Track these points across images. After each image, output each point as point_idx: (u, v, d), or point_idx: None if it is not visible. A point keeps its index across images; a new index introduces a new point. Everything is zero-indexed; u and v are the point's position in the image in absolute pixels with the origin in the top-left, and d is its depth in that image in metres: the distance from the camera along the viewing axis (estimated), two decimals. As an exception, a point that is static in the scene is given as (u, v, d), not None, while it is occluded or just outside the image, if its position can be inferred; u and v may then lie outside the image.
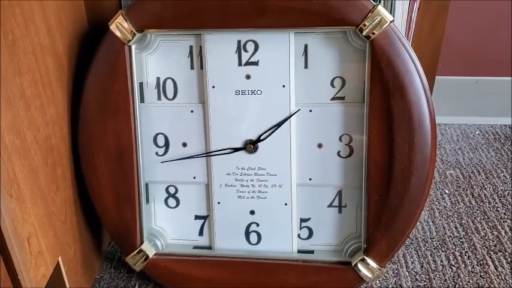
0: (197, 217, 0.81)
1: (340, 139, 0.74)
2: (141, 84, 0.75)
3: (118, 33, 0.70)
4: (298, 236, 0.79)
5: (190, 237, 0.82)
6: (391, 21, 0.65)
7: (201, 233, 0.81)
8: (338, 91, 0.72)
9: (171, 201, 0.81)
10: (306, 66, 0.72)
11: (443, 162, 1.16)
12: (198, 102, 0.75)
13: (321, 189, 0.77)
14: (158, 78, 0.75)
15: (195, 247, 0.81)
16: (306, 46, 0.72)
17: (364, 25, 0.66)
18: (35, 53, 0.64)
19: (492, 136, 1.25)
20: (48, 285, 0.68)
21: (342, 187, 0.76)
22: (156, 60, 0.75)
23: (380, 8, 0.65)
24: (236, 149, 0.75)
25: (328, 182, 0.76)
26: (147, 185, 0.79)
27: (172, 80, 0.75)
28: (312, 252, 0.79)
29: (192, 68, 0.74)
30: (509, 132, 1.26)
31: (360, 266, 0.74)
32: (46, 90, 0.67)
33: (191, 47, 0.73)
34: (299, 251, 0.79)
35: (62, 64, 0.72)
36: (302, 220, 0.78)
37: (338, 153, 0.75)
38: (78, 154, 0.75)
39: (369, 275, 0.74)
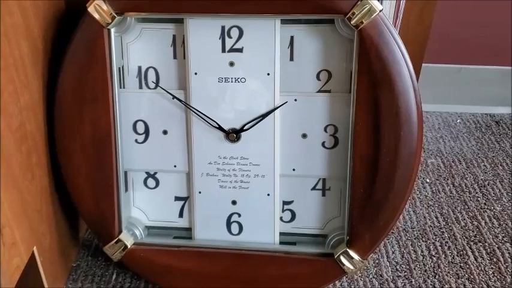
0: (177, 198, 0.79)
1: (325, 130, 0.72)
2: (120, 69, 0.72)
3: (96, 16, 0.67)
4: (281, 218, 0.77)
5: (170, 218, 0.80)
6: (380, 11, 0.64)
7: (181, 214, 0.79)
8: (324, 84, 0.71)
9: (151, 182, 0.79)
10: (291, 59, 0.71)
11: (424, 151, 1.15)
12: (179, 88, 0.73)
13: (304, 179, 0.76)
14: (140, 67, 0.73)
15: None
16: (292, 38, 0.70)
17: (353, 14, 0.64)
18: (8, 35, 0.61)
19: (473, 125, 1.25)
20: (23, 276, 0.66)
21: (326, 178, 0.75)
22: (137, 48, 0.72)
23: (369, -4, 0.63)
24: (220, 128, 0.73)
25: (312, 173, 0.75)
26: (125, 173, 0.76)
27: (154, 69, 0.73)
28: (294, 243, 0.77)
29: (174, 57, 0.72)
30: (490, 120, 1.26)
31: (342, 259, 0.73)
32: (20, 75, 0.64)
33: (174, 36, 0.71)
34: (281, 243, 0.77)
35: (37, 47, 0.69)
36: (285, 203, 0.77)
37: (323, 144, 0.73)
38: (54, 142, 0.73)
39: (351, 267, 0.73)
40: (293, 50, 0.70)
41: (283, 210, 0.77)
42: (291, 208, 0.77)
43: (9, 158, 0.62)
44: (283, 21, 0.69)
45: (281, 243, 0.78)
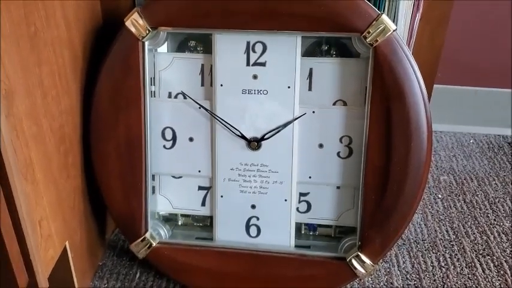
0: (200, 188, 0.83)
1: (340, 140, 0.77)
2: (152, 79, 0.78)
3: (133, 29, 0.73)
4: (297, 209, 0.81)
5: (193, 207, 0.84)
6: (394, 30, 0.69)
7: (203, 203, 0.84)
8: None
9: (177, 172, 0.84)
10: (310, 89, 0.76)
11: (437, 168, 1.19)
12: (205, 98, 0.78)
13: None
14: (170, 93, 0.79)
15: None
16: (311, 70, 0.75)
17: (369, 32, 0.69)
18: (54, 45, 0.68)
19: (486, 145, 1.28)
20: (56, 267, 0.71)
21: (340, 186, 0.80)
22: (169, 75, 0.78)
23: (384, 16, 0.69)
24: (243, 136, 0.78)
25: (327, 181, 0.79)
26: (153, 176, 0.82)
27: (183, 94, 0.79)
28: (308, 247, 0.82)
29: (202, 85, 0.78)
30: (503, 142, 1.30)
31: (354, 262, 0.77)
32: (62, 81, 0.70)
33: (203, 65, 0.77)
34: (296, 246, 0.82)
35: (77, 57, 0.75)
36: (301, 194, 0.81)
37: (338, 154, 0.78)
38: (87, 144, 0.78)
39: (362, 270, 0.77)
40: (311, 81, 0.76)
41: (299, 201, 0.81)
42: (307, 199, 0.81)
43: (50, 157, 0.68)
44: (304, 54, 0.75)
45: (296, 246, 0.82)
